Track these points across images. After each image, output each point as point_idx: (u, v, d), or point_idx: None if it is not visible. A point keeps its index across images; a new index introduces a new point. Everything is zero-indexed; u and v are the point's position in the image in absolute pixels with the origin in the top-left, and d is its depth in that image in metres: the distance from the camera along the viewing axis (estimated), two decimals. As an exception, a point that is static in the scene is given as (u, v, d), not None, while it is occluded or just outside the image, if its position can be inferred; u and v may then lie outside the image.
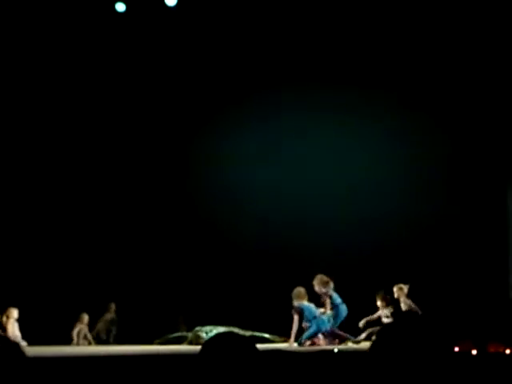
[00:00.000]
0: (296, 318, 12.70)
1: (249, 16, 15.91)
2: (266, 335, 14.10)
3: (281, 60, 16.04)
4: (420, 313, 11.39)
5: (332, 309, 12.90)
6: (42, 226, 16.17)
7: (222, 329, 13.90)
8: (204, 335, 13.73)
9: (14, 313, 14.42)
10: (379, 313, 13.35)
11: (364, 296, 13.55)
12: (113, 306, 15.87)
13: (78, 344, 15.26)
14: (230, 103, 16.21)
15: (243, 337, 4.79)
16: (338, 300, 12.97)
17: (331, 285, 12.91)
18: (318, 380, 6.48)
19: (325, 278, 12.76)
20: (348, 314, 13.13)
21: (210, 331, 13.83)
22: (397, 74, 15.48)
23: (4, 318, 14.39)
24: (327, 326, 12.66)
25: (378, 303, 13.15)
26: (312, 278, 13.45)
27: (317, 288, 12.74)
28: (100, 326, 15.72)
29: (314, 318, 12.61)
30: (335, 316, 12.88)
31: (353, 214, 15.45)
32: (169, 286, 16.02)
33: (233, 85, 16.24)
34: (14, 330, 14.44)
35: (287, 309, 13.14)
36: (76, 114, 16.47)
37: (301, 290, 12.78)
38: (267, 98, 15.99)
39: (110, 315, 15.86)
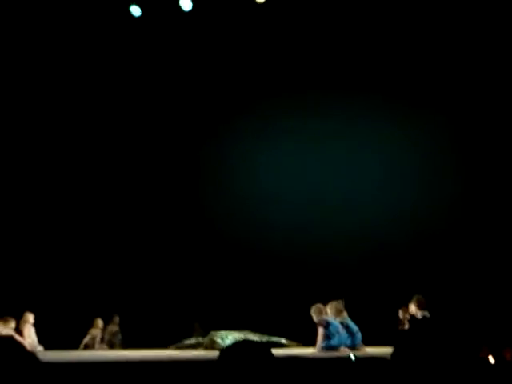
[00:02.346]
0: (321, 331, 12.75)
1: (263, 22, 15.93)
2: (282, 340, 14.10)
3: (291, 67, 16.06)
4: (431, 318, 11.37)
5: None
6: (55, 233, 16.22)
7: (236, 334, 13.94)
8: (219, 340, 13.74)
9: (30, 318, 14.48)
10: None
11: (378, 301, 13.53)
12: (117, 319, 15.91)
13: (94, 348, 15.31)
14: (239, 109, 16.23)
15: (260, 344, 4.79)
16: (355, 328, 13.03)
17: (341, 312, 12.92)
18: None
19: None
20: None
21: (226, 336, 13.85)
22: (406, 77, 15.48)
23: (21, 323, 14.46)
24: (347, 343, 12.69)
25: (412, 307, 13.05)
26: (327, 284, 13.48)
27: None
28: (104, 337, 15.77)
29: (338, 332, 12.66)
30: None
31: (365, 219, 15.45)
32: (184, 292, 16.04)
33: (244, 90, 16.25)
34: (30, 334, 14.49)
35: (302, 314, 13.13)
36: (88, 118, 16.51)
37: (320, 306, 12.81)
38: (275, 105, 16.00)
39: (113, 327, 15.91)
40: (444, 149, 15.40)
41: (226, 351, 4.71)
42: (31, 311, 14.53)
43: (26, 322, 14.45)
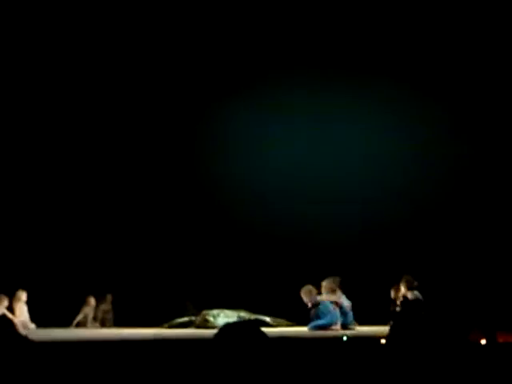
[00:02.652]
0: (312, 311, 12.83)
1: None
2: (272, 319, 14.16)
3: (291, 45, 15.99)
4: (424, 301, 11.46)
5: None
6: (49, 210, 16.22)
7: (228, 312, 14.00)
8: (211, 319, 13.80)
9: (23, 296, 14.55)
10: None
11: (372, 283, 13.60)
12: (109, 297, 15.93)
13: (86, 326, 15.37)
14: (240, 89, 16.17)
15: (253, 325, 4.82)
16: (348, 307, 13.09)
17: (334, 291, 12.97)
18: (327, 367, 6.53)
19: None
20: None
21: (218, 315, 13.91)
22: (410, 64, 15.48)
23: (13, 301, 14.52)
24: (338, 321, 12.75)
25: (402, 287, 13.12)
26: (320, 263, 13.58)
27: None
28: (97, 315, 15.82)
29: (329, 312, 12.74)
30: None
31: (362, 202, 15.49)
32: (176, 270, 16.05)
33: (244, 71, 16.20)
34: (22, 312, 14.57)
35: (293, 293, 13.20)
36: (85, 105, 16.44)
37: (310, 287, 12.88)
38: (275, 83, 15.96)
39: (106, 306, 15.94)
40: (441, 130, 15.43)
41: (220, 332, 4.74)
42: (24, 289, 14.59)
43: (18, 300, 14.53)
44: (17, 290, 14.55)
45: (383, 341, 6.87)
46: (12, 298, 14.37)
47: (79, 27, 15.99)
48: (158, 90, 16.49)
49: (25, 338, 5.07)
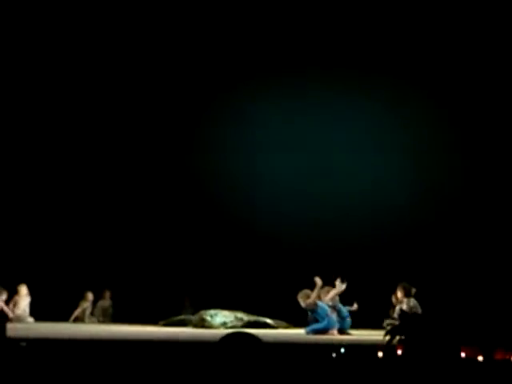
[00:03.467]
0: (309, 315, 12.86)
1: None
2: (270, 321, 14.18)
3: (288, 44, 15.97)
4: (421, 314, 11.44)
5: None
6: (49, 206, 16.26)
7: (226, 313, 14.03)
8: (209, 318, 13.83)
9: (24, 290, 14.72)
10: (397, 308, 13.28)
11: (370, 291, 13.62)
12: (108, 294, 15.98)
13: (84, 321, 15.44)
14: (234, 88, 16.15)
15: (251, 336, 4.83)
16: (345, 313, 13.10)
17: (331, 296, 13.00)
18: (322, 378, 6.54)
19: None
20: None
21: (215, 315, 13.94)
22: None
23: (15, 296, 14.74)
24: (336, 326, 12.77)
25: (399, 294, 13.13)
26: (320, 266, 13.61)
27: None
28: (95, 312, 15.86)
29: (327, 315, 12.75)
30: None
31: (365, 209, 15.50)
32: (175, 268, 16.07)
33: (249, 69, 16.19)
34: (20, 306, 14.71)
35: (292, 295, 13.20)
36: (84, 100, 16.44)
37: (307, 291, 12.88)
38: (272, 83, 15.96)
39: (105, 302, 15.99)
40: (445, 138, 15.43)
41: (221, 342, 4.75)
42: (24, 283, 14.72)
43: (18, 293, 14.73)
44: (18, 284, 14.73)
45: (380, 354, 6.87)
46: (14, 294, 14.66)
47: (81, 25, 16.05)
48: (158, 88, 16.47)
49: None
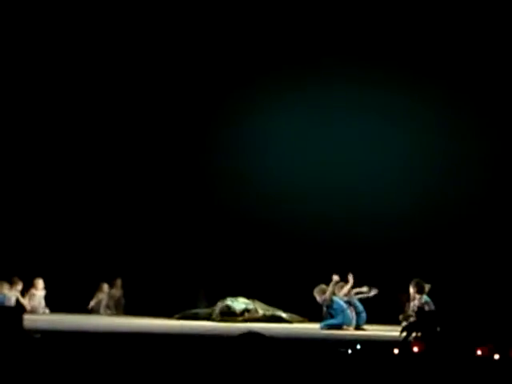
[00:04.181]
0: (324, 310, 12.85)
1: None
2: (285, 315, 14.19)
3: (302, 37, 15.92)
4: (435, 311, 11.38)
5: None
6: (64, 204, 16.34)
7: (244, 299, 14.13)
8: (230, 303, 13.97)
9: (40, 283, 14.87)
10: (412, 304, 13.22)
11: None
12: (119, 282, 16.01)
13: (99, 313, 15.50)
14: (247, 84, 16.11)
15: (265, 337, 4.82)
16: (361, 308, 13.08)
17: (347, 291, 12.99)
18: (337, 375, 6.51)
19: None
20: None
21: (236, 300, 14.08)
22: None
23: (31, 288, 14.93)
24: (351, 322, 12.73)
25: (411, 290, 13.08)
26: (336, 261, 13.61)
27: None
28: (109, 302, 15.92)
29: (342, 311, 12.74)
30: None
31: (375, 207, 15.44)
32: (190, 260, 16.05)
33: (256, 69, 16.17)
34: (36, 298, 14.88)
35: (307, 289, 13.19)
36: (96, 100, 16.47)
37: (323, 286, 12.87)
38: (280, 80, 15.90)
39: (116, 292, 16.02)
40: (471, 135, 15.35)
41: (233, 341, 4.75)
42: (41, 276, 14.90)
43: (34, 286, 14.99)
44: (33, 277, 14.83)
45: (396, 350, 6.84)
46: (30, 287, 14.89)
47: (89, 26, 16.05)
48: (168, 87, 16.45)
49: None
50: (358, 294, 13.19)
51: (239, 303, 13.99)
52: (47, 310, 14.98)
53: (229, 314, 13.80)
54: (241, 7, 15.93)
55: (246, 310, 13.94)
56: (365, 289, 13.19)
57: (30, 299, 14.85)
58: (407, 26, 15.47)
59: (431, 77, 15.51)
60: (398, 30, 15.54)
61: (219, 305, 14.13)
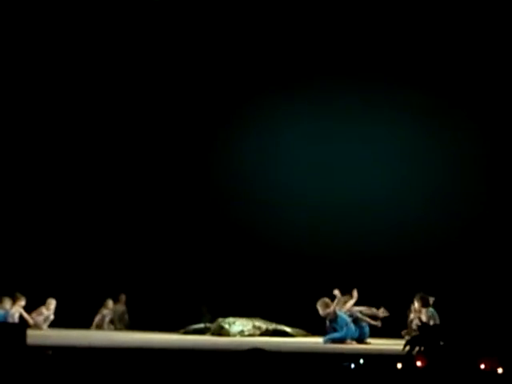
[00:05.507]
0: (328, 324, 12.85)
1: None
2: (288, 329, 14.19)
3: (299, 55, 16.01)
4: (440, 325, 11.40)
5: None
6: (69, 219, 16.39)
7: (244, 321, 14.07)
8: (227, 326, 13.88)
9: (53, 304, 15.00)
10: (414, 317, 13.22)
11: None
12: (123, 297, 16.06)
13: (103, 329, 15.52)
14: (248, 98, 16.20)
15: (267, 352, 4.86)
16: (363, 323, 13.06)
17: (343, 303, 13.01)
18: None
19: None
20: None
21: (233, 323, 13.99)
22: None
23: (42, 307, 15.00)
24: (354, 336, 12.75)
25: (416, 305, 13.10)
26: (339, 275, 13.63)
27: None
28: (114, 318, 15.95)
29: (345, 325, 12.74)
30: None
31: (381, 220, 15.50)
32: (193, 276, 16.09)
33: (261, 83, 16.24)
34: (45, 317, 14.89)
35: (310, 303, 13.20)
36: (101, 103, 16.57)
37: (326, 300, 12.88)
38: (285, 93, 15.98)
39: (120, 307, 16.06)
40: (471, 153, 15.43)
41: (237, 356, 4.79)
42: (44, 290, 15.05)
43: (46, 305, 15.07)
44: (37, 293, 14.86)
45: (399, 365, 6.86)
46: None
47: (103, 30, 16.15)
48: (181, 92, 16.53)
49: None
50: (369, 316, 13.12)
51: (236, 325, 13.91)
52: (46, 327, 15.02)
53: (221, 335, 13.74)
54: (251, 12, 16.04)
55: (241, 332, 13.82)
56: (374, 309, 13.17)
57: (37, 315, 14.85)
58: (407, 30, 15.59)
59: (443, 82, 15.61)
60: (398, 38, 15.67)
61: (214, 324, 14.15)
